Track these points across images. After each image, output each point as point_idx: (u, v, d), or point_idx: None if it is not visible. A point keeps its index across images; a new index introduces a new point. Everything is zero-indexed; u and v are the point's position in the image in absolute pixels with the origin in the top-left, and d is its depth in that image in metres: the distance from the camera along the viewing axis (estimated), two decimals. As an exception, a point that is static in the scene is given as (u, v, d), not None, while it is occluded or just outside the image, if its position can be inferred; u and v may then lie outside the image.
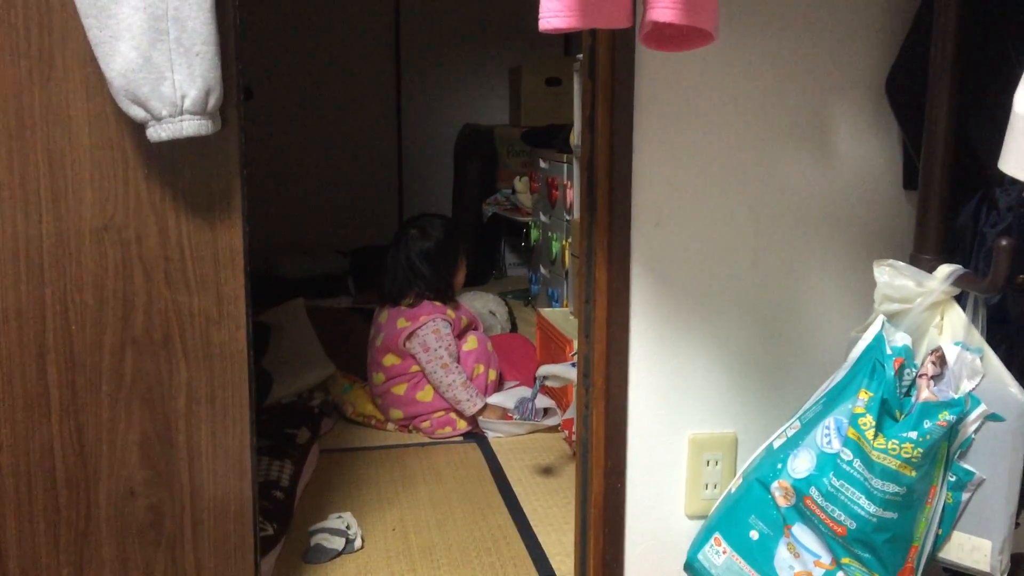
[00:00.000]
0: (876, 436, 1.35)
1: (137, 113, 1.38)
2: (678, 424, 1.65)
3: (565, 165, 3.37)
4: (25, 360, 1.48)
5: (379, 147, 5.19)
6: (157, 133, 1.39)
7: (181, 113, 1.38)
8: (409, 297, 2.75)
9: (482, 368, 2.75)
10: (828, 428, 1.43)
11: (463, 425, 2.70)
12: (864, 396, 1.39)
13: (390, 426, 2.75)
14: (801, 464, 1.44)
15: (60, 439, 1.50)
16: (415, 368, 2.69)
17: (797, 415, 1.50)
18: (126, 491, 1.53)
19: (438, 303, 2.76)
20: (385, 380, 2.73)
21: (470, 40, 5.19)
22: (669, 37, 1.24)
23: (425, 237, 2.80)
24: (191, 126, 1.39)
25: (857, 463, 1.36)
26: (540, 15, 1.22)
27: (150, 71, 1.35)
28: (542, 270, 3.80)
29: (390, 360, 2.72)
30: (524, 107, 4.74)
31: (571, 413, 2.28)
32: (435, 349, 2.66)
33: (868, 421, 1.36)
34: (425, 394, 2.69)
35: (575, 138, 2.95)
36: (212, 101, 1.40)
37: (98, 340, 1.50)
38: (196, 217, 1.50)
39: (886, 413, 1.38)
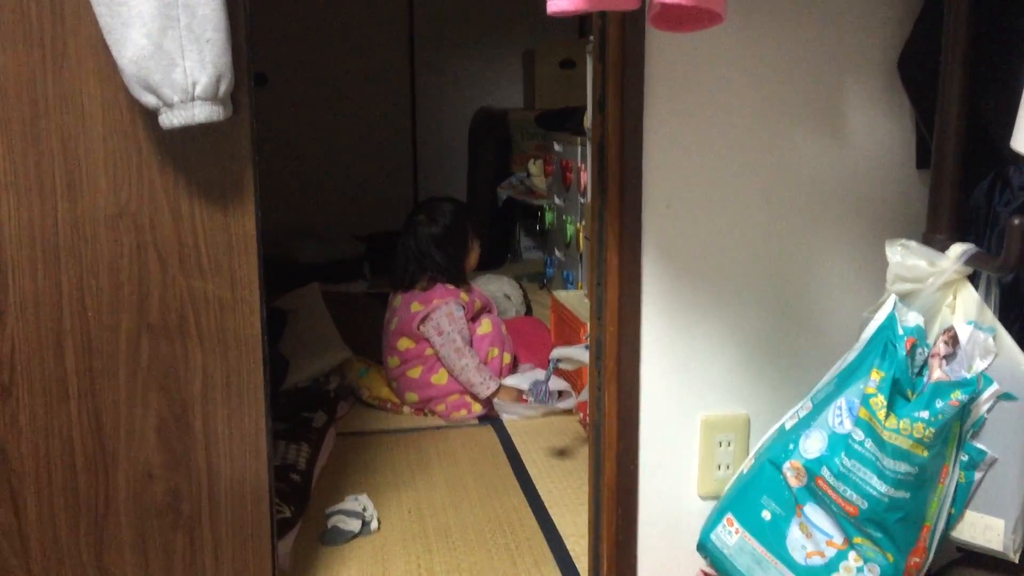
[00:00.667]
0: (888, 416, 1.35)
1: (149, 100, 1.39)
2: (690, 405, 1.65)
3: (579, 148, 3.37)
4: (43, 346, 1.50)
5: (393, 131, 5.19)
6: (169, 120, 1.40)
7: (192, 99, 1.39)
8: (422, 281, 2.77)
9: (497, 351, 2.76)
10: (840, 408, 1.43)
11: (478, 408, 2.71)
12: (876, 376, 1.39)
13: (406, 409, 2.77)
14: (813, 444, 1.44)
15: (79, 424, 1.53)
16: (429, 351, 2.71)
17: (809, 396, 1.50)
18: (144, 474, 1.55)
19: (451, 286, 2.77)
20: (400, 364, 2.74)
21: (484, 23, 5.18)
22: (678, 18, 1.23)
23: (433, 222, 2.82)
24: (202, 112, 1.39)
25: (869, 443, 1.36)
26: (548, -2, 1.22)
27: (161, 58, 1.36)
28: (557, 253, 3.80)
29: (404, 344, 2.74)
30: (538, 90, 4.73)
31: (585, 395, 2.28)
32: (448, 332, 2.67)
33: (880, 401, 1.36)
34: (440, 377, 2.71)
35: (588, 121, 2.94)
36: (223, 87, 1.40)
37: (114, 325, 1.52)
38: (209, 203, 1.51)
39: (898, 393, 1.38)
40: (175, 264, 1.52)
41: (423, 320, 2.70)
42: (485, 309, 2.87)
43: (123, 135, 1.48)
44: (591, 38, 1.97)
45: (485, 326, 2.78)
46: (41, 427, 1.52)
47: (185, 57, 1.37)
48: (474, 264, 2.93)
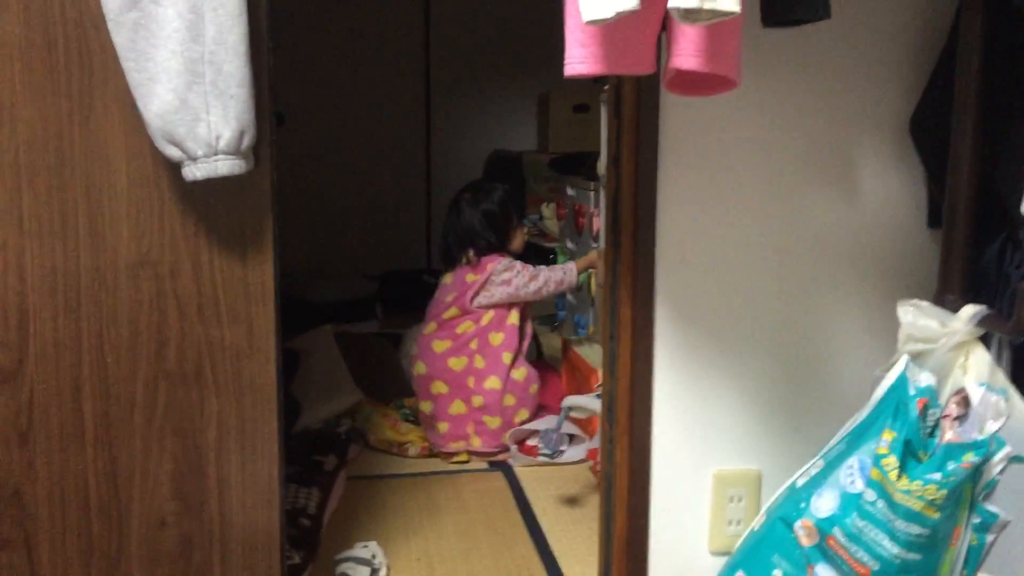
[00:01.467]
0: (899, 477, 1.35)
1: (173, 153, 1.42)
2: (702, 460, 1.66)
3: (592, 193, 3.39)
4: (61, 391, 1.52)
5: (408, 172, 5.24)
6: (192, 173, 1.42)
7: (216, 153, 1.41)
8: (469, 257, 2.80)
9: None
10: (852, 468, 1.43)
11: (477, 443, 2.71)
12: (888, 436, 1.39)
13: (411, 451, 2.77)
14: (824, 504, 1.44)
15: (94, 469, 1.54)
16: (466, 327, 2.71)
17: (821, 453, 1.50)
18: (157, 521, 1.56)
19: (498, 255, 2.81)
20: (435, 330, 2.77)
21: (499, 66, 5.24)
22: (692, 83, 1.26)
23: (478, 201, 2.86)
24: (225, 166, 1.42)
25: (880, 504, 1.36)
26: (565, 61, 1.25)
27: (186, 112, 1.39)
28: (568, 296, 3.81)
29: (450, 313, 2.77)
30: (552, 133, 4.77)
31: (597, 442, 2.29)
32: (517, 275, 2.73)
33: (891, 462, 1.36)
34: (458, 362, 2.72)
35: (601, 167, 2.97)
36: (246, 141, 1.43)
37: (132, 373, 1.54)
38: (229, 252, 1.54)
39: (910, 454, 1.38)
40: (194, 313, 1.54)
41: (479, 291, 2.73)
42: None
43: (147, 185, 1.51)
44: (605, 87, 2.01)
45: (513, 317, 2.80)
46: (57, 472, 1.53)
47: (210, 112, 1.40)
48: (519, 247, 2.94)
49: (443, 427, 2.74)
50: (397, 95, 5.14)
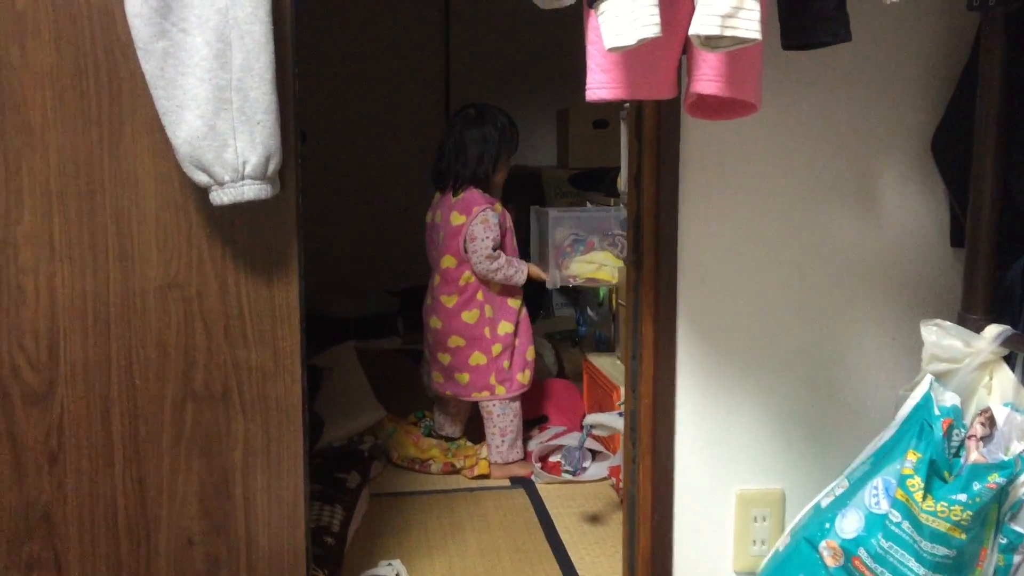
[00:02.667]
0: (925, 498, 1.35)
1: (201, 178, 1.45)
2: (725, 479, 1.66)
3: (612, 209, 3.40)
4: (91, 412, 1.54)
5: (428, 187, 5.26)
6: (219, 197, 1.45)
7: (243, 178, 1.44)
8: (453, 183, 2.80)
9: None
10: (876, 488, 1.43)
11: (502, 391, 2.73)
12: (912, 457, 1.39)
13: (434, 468, 2.78)
14: (849, 524, 1.43)
15: (123, 489, 1.56)
16: (467, 277, 2.74)
17: (845, 473, 1.50)
18: (184, 540, 1.58)
19: (486, 194, 2.80)
20: (440, 282, 2.79)
21: (518, 82, 5.26)
22: (713, 107, 1.27)
23: (482, 120, 2.84)
24: (251, 191, 1.44)
25: (906, 525, 1.36)
26: (587, 86, 1.26)
27: (214, 139, 1.42)
28: (589, 312, 3.82)
29: (447, 262, 2.79)
30: (571, 149, 4.78)
31: (619, 459, 2.29)
32: (481, 239, 2.71)
33: (917, 483, 1.36)
34: (471, 315, 2.74)
35: (622, 183, 2.98)
36: (272, 166, 1.46)
37: (160, 393, 1.56)
38: (255, 275, 1.56)
39: (935, 474, 1.38)
40: (220, 334, 1.56)
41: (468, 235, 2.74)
42: (509, 231, 2.87)
43: (175, 209, 1.53)
44: (625, 105, 2.02)
45: (523, 311, 2.83)
46: (86, 492, 1.55)
47: (237, 138, 1.43)
48: (500, 183, 2.92)
49: (464, 378, 2.78)
50: (418, 111, 5.17)
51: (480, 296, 2.76)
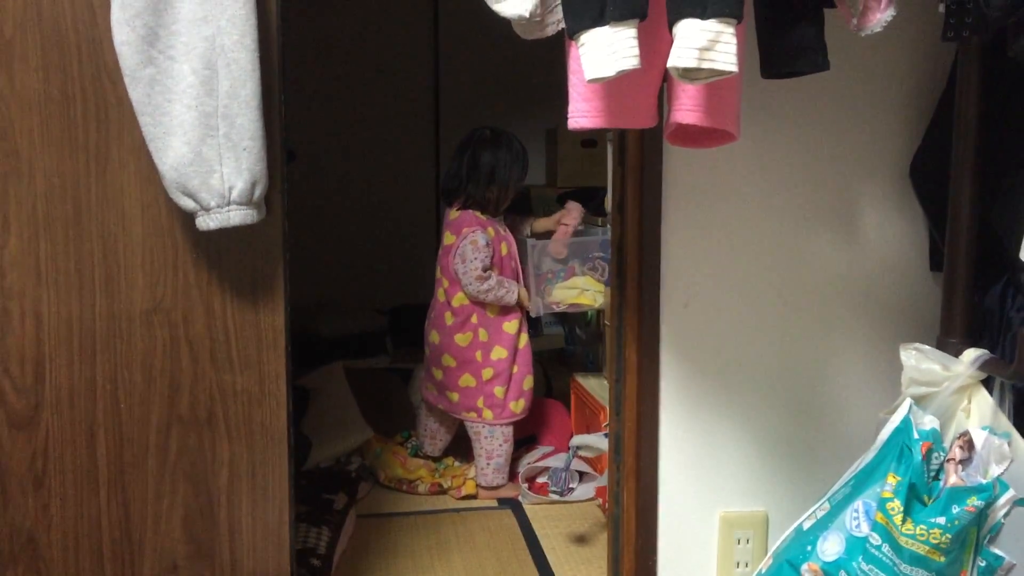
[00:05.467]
0: (904, 521, 1.36)
1: (187, 204, 1.46)
2: (709, 501, 1.67)
3: (599, 229, 3.42)
4: (76, 436, 1.55)
5: (418, 205, 5.27)
6: (206, 223, 1.46)
7: (228, 204, 1.45)
8: (458, 201, 2.81)
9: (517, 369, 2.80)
10: (857, 511, 1.44)
11: (489, 416, 2.72)
12: (892, 480, 1.40)
13: (421, 488, 2.78)
14: (831, 547, 1.44)
15: (107, 513, 1.56)
16: (460, 299, 2.74)
17: (827, 496, 1.51)
18: (169, 565, 1.58)
19: (481, 216, 2.79)
20: (439, 299, 2.82)
21: (507, 101, 5.28)
22: (693, 136, 1.28)
23: (496, 144, 2.84)
24: (238, 216, 1.46)
25: (886, 548, 1.37)
26: (569, 114, 1.28)
27: (200, 165, 1.43)
28: (577, 331, 3.83)
29: (444, 282, 2.80)
30: (560, 168, 4.80)
31: (605, 480, 2.30)
32: (470, 260, 2.71)
33: (896, 506, 1.37)
34: (463, 338, 2.74)
35: (609, 203, 3.00)
36: (258, 192, 1.47)
37: (146, 418, 1.56)
38: (241, 299, 1.57)
39: (914, 498, 1.39)
40: (206, 358, 1.57)
41: (455, 255, 2.74)
42: (510, 255, 2.86)
43: (161, 234, 1.54)
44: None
45: (524, 340, 2.81)
46: (71, 516, 1.55)
47: (223, 164, 1.44)
48: (503, 205, 2.90)
49: (454, 397, 2.78)
50: (407, 129, 5.19)
51: (474, 319, 2.76)
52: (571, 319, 3.98)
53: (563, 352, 4.18)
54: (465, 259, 2.73)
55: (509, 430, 2.77)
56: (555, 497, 2.55)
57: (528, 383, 2.81)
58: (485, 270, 2.73)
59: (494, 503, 2.74)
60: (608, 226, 3.03)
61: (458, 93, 5.26)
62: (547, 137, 5.13)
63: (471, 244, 2.73)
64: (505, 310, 2.77)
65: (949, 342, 1.49)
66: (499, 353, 2.75)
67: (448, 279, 2.79)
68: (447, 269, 2.79)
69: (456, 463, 2.92)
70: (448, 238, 2.80)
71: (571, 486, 2.61)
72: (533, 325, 4.82)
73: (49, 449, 1.54)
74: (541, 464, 2.75)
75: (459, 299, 2.76)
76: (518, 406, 2.77)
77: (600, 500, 2.58)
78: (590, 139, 4.64)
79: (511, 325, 2.78)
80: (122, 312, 1.54)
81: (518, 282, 2.83)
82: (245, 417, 1.59)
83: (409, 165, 5.24)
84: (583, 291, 2.83)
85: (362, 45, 4.95)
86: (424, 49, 5.16)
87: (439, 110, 5.27)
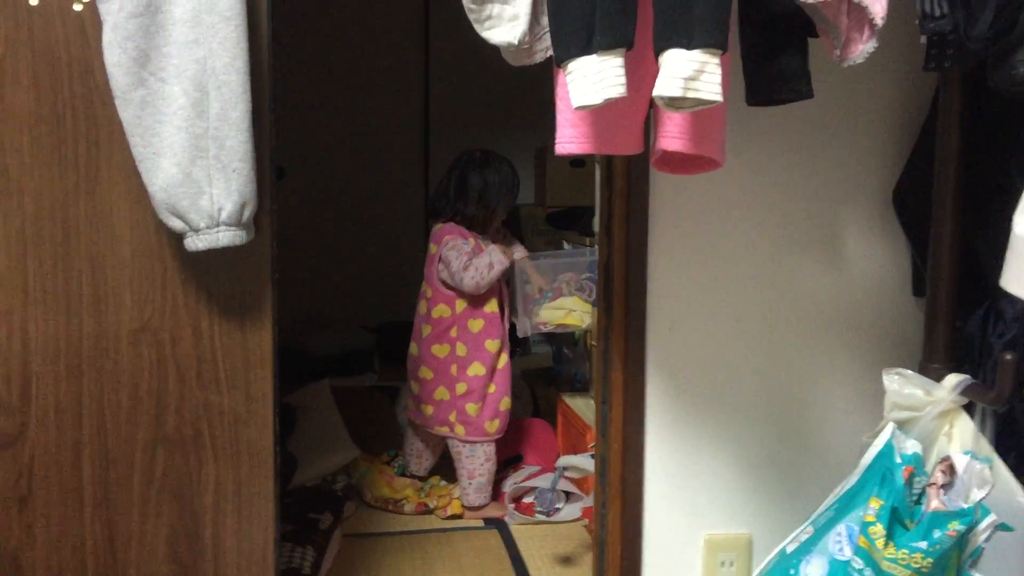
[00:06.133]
0: (887, 545, 1.37)
1: (176, 224, 1.46)
2: (694, 524, 1.68)
3: (587, 249, 3.43)
4: (61, 456, 1.54)
5: (406, 223, 5.28)
6: (194, 243, 1.46)
7: (218, 225, 1.45)
8: (444, 217, 2.81)
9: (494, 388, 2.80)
10: (840, 535, 1.45)
11: (461, 431, 2.72)
12: (875, 504, 1.41)
13: (407, 508, 2.78)
14: (814, 570, 1.45)
15: (92, 533, 1.56)
16: (441, 311, 2.74)
17: (810, 520, 1.52)
18: (153, 585, 1.57)
19: (462, 228, 2.79)
20: (421, 311, 2.82)
21: (497, 121, 5.31)
22: (679, 162, 1.30)
23: (486, 166, 2.84)
24: (226, 237, 1.46)
25: (868, 572, 1.38)
26: (556, 140, 1.29)
27: (190, 186, 1.44)
28: (565, 350, 3.84)
29: (427, 292, 2.80)
30: (549, 187, 4.82)
31: (592, 500, 2.30)
32: (455, 259, 2.71)
33: (878, 530, 1.38)
34: (441, 349, 2.74)
35: (597, 223, 3.01)
36: (247, 213, 1.47)
37: (131, 437, 1.56)
38: (229, 319, 1.57)
39: (896, 522, 1.40)
40: (193, 378, 1.57)
41: (438, 263, 2.75)
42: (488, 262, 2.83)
43: (149, 254, 1.54)
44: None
45: (492, 305, 2.80)
46: (55, 536, 1.55)
47: (212, 185, 1.45)
48: (493, 227, 2.89)
49: (428, 410, 2.78)
50: (396, 147, 5.21)
51: (454, 333, 2.76)
52: (559, 338, 3.99)
53: (550, 371, 4.18)
54: (449, 261, 2.73)
55: (491, 449, 2.77)
56: (541, 517, 2.55)
57: (505, 404, 2.80)
58: (470, 258, 2.72)
59: (480, 523, 2.73)
60: (596, 247, 3.05)
61: (447, 111, 5.29)
62: (536, 156, 5.15)
63: (452, 248, 2.74)
64: (488, 329, 2.77)
65: (931, 367, 1.51)
66: (476, 370, 2.75)
67: (432, 288, 2.80)
68: (431, 279, 2.80)
69: (442, 483, 2.92)
70: (431, 248, 2.82)
71: (557, 506, 2.61)
72: (521, 344, 4.84)
73: (34, 468, 1.54)
74: (527, 484, 2.75)
75: (439, 310, 2.77)
76: (492, 426, 2.77)
77: (586, 521, 2.58)
78: (579, 159, 4.67)
79: (493, 344, 2.78)
80: (109, 331, 1.54)
81: (504, 303, 2.83)
82: (231, 437, 1.59)
83: (398, 182, 5.26)
84: (570, 311, 2.83)
85: (352, 63, 4.97)
86: (414, 67, 5.18)
87: (428, 128, 5.29)
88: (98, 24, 1.44)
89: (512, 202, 2.95)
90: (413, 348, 2.84)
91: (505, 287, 2.87)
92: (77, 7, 1.48)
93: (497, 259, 2.70)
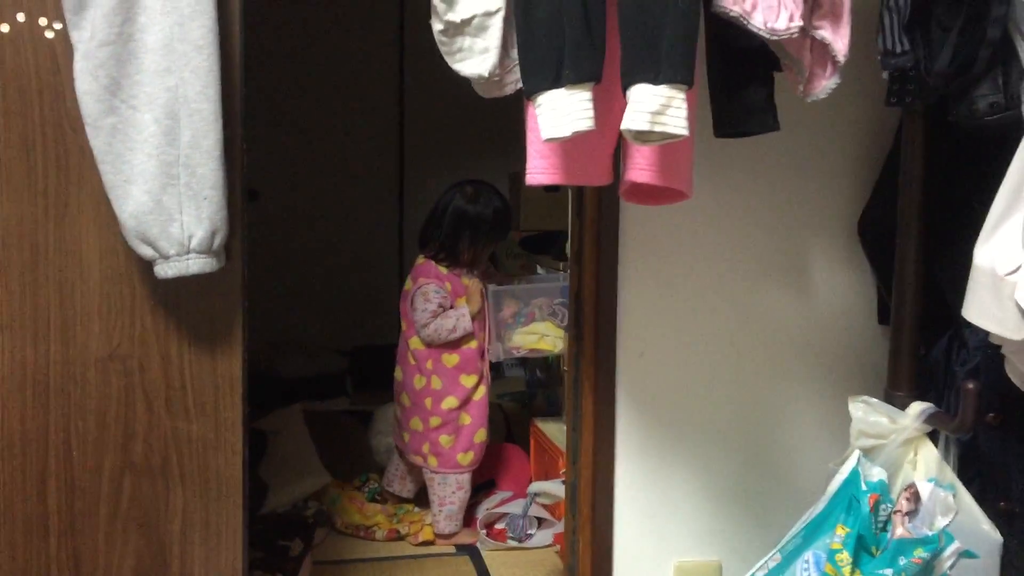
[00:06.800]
0: (853, 572, 1.38)
1: (146, 252, 1.46)
2: (664, 552, 1.68)
3: (561, 273, 3.44)
4: (27, 484, 1.53)
5: (380, 245, 5.27)
6: (164, 271, 1.46)
7: (188, 252, 1.45)
8: (430, 249, 2.80)
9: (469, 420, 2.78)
10: (807, 562, 1.46)
11: (433, 463, 2.71)
12: (841, 532, 1.42)
13: (378, 535, 2.76)
14: (782, 598, 1.46)
15: (57, 563, 1.54)
16: (416, 343, 2.74)
17: (778, 547, 1.53)
18: (119, 616, 1.56)
19: (441, 269, 2.77)
20: (402, 340, 2.81)
21: (471, 144, 5.32)
22: (647, 193, 1.32)
23: (474, 200, 2.82)
24: (197, 265, 1.46)
25: (835, 599, 1.39)
26: (527, 171, 1.31)
27: (160, 213, 1.44)
28: (539, 374, 3.84)
29: (404, 324, 2.79)
30: (523, 211, 4.83)
31: (563, 526, 2.30)
32: (420, 310, 2.70)
33: (845, 558, 1.39)
34: (418, 381, 2.73)
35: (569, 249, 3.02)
36: (218, 241, 1.47)
37: (98, 466, 1.55)
38: (198, 347, 1.56)
39: (862, 549, 1.42)
40: (161, 406, 1.56)
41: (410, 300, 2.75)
42: (486, 309, 2.80)
43: (118, 282, 1.54)
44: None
45: (469, 340, 2.79)
46: (20, 567, 1.52)
47: (183, 213, 1.45)
48: (476, 264, 2.85)
49: (406, 437, 2.77)
50: (370, 170, 5.21)
51: (429, 365, 2.75)
52: (532, 362, 3.99)
53: (524, 395, 4.18)
54: (415, 308, 2.74)
55: (464, 478, 2.75)
56: (513, 544, 2.55)
57: (480, 436, 2.78)
58: (439, 309, 2.72)
59: (452, 549, 2.72)
60: (569, 269, 3.06)
61: (423, 135, 5.29)
62: (511, 180, 5.17)
63: (422, 296, 2.74)
64: (463, 364, 2.75)
65: (896, 395, 1.53)
66: (450, 403, 2.73)
67: (406, 322, 2.80)
68: (405, 314, 2.80)
69: (414, 509, 2.90)
70: (408, 283, 2.82)
71: (529, 532, 2.61)
72: (494, 368, 4.83)
73: (-2, 497, 1.52)
74: (499, 510, 2.74)
75: (415, 342, 2.77)
76: (466, 458, 2.74)
77: (558, 547, 2.57)
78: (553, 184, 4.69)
79: (468, 379, 2.76)
80: (77, 359, 1.53)
81: (486, 337, 2.81)
82: (200, 465, 1.58)
83: (371, 205, 5.25)
84: (543, 336, 2.84)
85: (327, 85, 4.97)
86: (389, 90, 5.19)
87: (403, 151, 5.29)
88: (69, 51, 1.44)
89: (503, 238, 2.93)
90: (398, 373, 2.83)
91: (488, 321, 2.84)
92: (48, 34, 1.48)
93: (463, 325, 2.71)
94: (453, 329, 2.69)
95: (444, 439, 2.71)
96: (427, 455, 2.73)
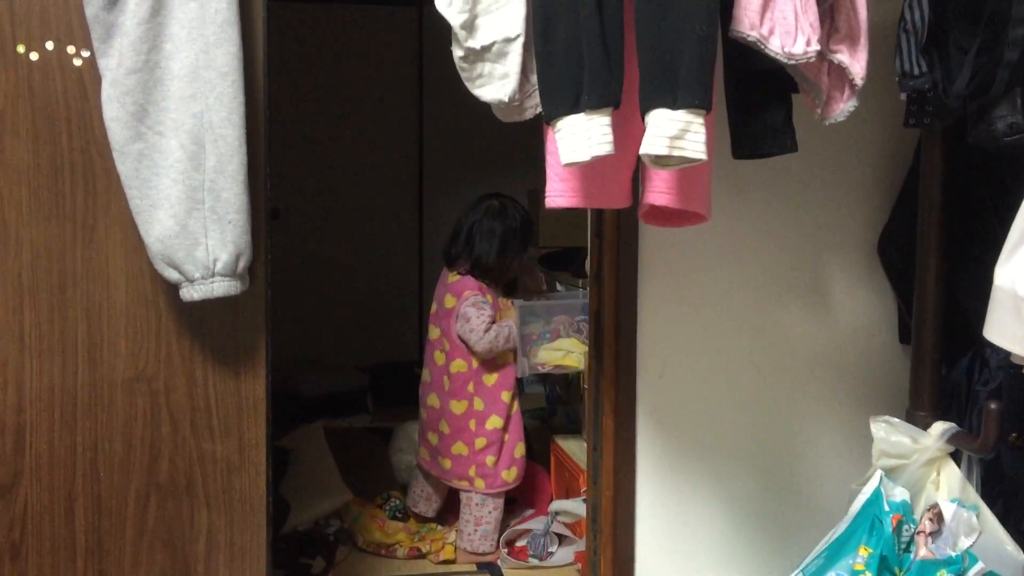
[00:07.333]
0: (876, 594, 1.38)
1: (172, 275, 1.48)
2: (685, 571, 1.68)
3: (580, 290, 3.45)
4: (55, 505, 1.55)
5: (400, 263, 5.30)
6: (190, 294, 1.48)
7: (213, 275, 1.47)
8: (461, 266, 2.78)
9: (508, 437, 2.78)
10: (830, 583, 1.45)
11: (481, 485, 2.70)
12: (864, 552, 1.42)
13: (400, 553, 2.76)
14: (804, 618, 1.46)
15: (84, 583, 1.56)
16: (459, 366, 2.72)
17: (800, 567, 1.53)
18: (144, 635, 1.57)
19: (483, 283, 2.77)
20: (437, 364, 2.79)
21: (491, 162, 5.35)
22: (666, 216, 1.33)
23: (503, 215, 2.81)
24: (221, 287, 1.48)
25: (858, 620, 1.39)
26: (546, 193, 1.32)
27: (185, 237, 1.46)
28: (558, 390, 3.84)
29: (444, 345, 2.76)
30: (543, 228, 4.84)
31: (584, 544, 2.30)
32: (476, 318, 2.67)
33: (868, 579, 1.39)
34: (459, 405, 2.71)
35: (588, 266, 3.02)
36: (242, 264, 1.49)
37: (124, 486, 1.56)
38: (223, 368, 1.58)
39: (886, 569, 1.41)
40: (187, 427, 1.58)
41: (457, 318, 2.72)
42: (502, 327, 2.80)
43: (145, 304, 1.56)
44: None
45: (506, 355, 2.77)
46: (47, 586, 1.55)
47: (208, 236, 1.47)
48: (511, 277, 2.88)
49: (447, 464, 2.74)
50: (390, 188, 5.23)
51: (471, 388, 2.74)
52: (552, 378, 3.99)
53: (544, 412, 4.18)
54: (468, 319, 2.71)
55: (500, 499, 2.75)
56: (534, 562, 2.54)
57: (519, 450, 2.78)
58: (491, 322, 2.72)
59: (473, 567, 2.72)
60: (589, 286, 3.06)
61: (442, 152, 5.32)
62: (530, 197, 5.19)
63: (472, 305, 2.72)
64: (502, 381, 2.75)
65: (918, 415, 1.52)
66: (494, 423, 2.72)
67: (450, 342, 2.77)
68: (448, 332, 2.77)
69: (436, 527, 2.91)
70: (449, 300, 2.78)
71: (550, 550, 2.61)
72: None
73: (27, 518, 1.54)
74: (520, 528, 2.74)
75: (457, 365, 2.74)
76: (511, 475, 2.74)
77: (579, 565, 2.57)
78: (572, 200, 4.69)
79: (507, 394, 2.76)
80: (104, 380, 1.56)
81: (516, 352, 2.81)
82: (224, 485, 1.59)
83: (392, 223, 5.27)
84: (568, 353, 2.84)
85: (348, 105, 5.02)
86: (409, 108, 5.23)
87: (423, 169, 5.32)
88: (97, 79, 1.47)
89: (528, 251, 2.92)
90: (433, 399, 2.79)
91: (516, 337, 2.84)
92: (77, 62, 1.51)
93: (514, 336, 2.70)
94: (508, 338, 2.68)
95: (490, 459, 2.70)
96: (473, 478, 2.71)
